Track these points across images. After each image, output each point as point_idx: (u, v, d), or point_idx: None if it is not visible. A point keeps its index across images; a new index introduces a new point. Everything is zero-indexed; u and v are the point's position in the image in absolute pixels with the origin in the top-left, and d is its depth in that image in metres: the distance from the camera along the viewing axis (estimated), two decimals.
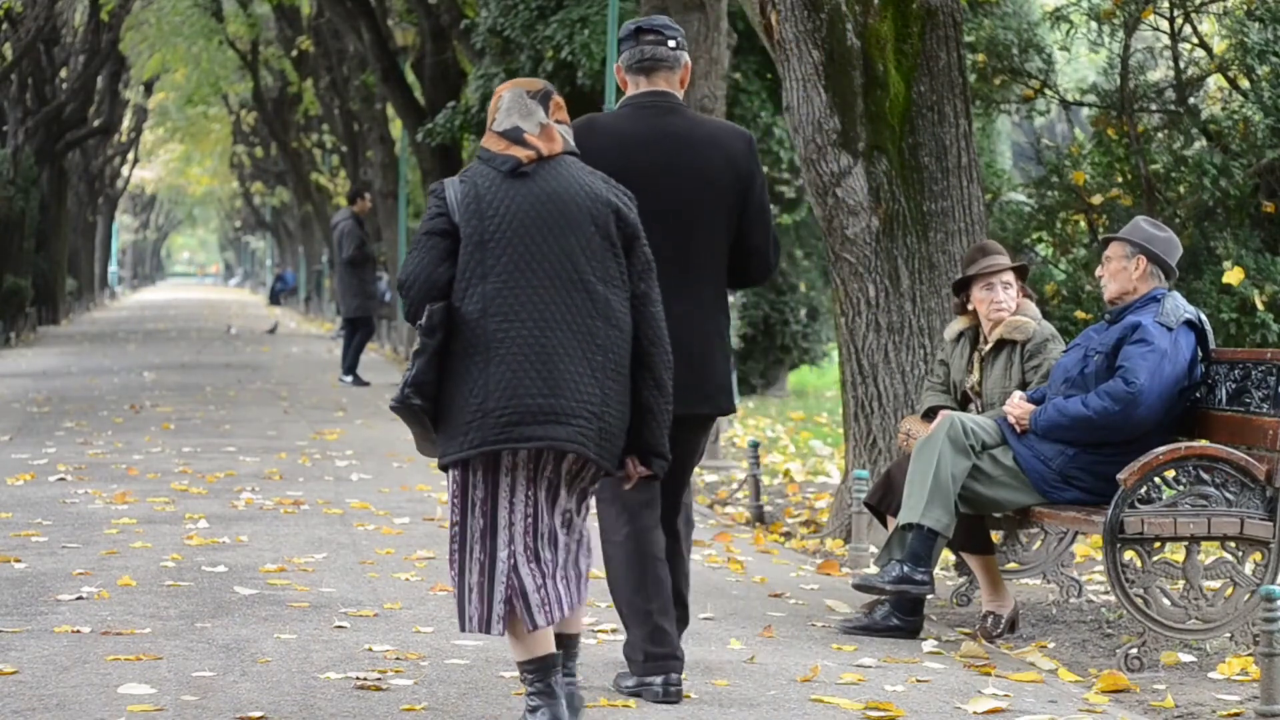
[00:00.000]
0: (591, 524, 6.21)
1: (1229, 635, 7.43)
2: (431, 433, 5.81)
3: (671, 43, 6.70)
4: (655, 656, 6.48)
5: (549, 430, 5.70)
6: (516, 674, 6.42)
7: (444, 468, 5.82)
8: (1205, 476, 7.38)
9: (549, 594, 5.74)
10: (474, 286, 5.79)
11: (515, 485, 5.79)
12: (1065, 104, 13.14)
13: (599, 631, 7.67)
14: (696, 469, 14.95)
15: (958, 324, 8.62)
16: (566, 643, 6.01)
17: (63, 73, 42.70)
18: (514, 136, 5.92)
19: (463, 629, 5.79)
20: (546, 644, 5.75)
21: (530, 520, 5.78)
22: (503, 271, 5.79)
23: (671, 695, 6.46)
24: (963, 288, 8.59)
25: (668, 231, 6.57)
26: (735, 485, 13.77)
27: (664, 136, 6.65)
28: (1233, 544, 7.40)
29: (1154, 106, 12.52)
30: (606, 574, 6.64)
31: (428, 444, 5.88)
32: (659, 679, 6.47)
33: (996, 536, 8.47)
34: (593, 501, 6.06)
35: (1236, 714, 6.59)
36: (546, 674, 5.75)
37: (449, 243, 5.84)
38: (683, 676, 6.53)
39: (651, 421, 5.93)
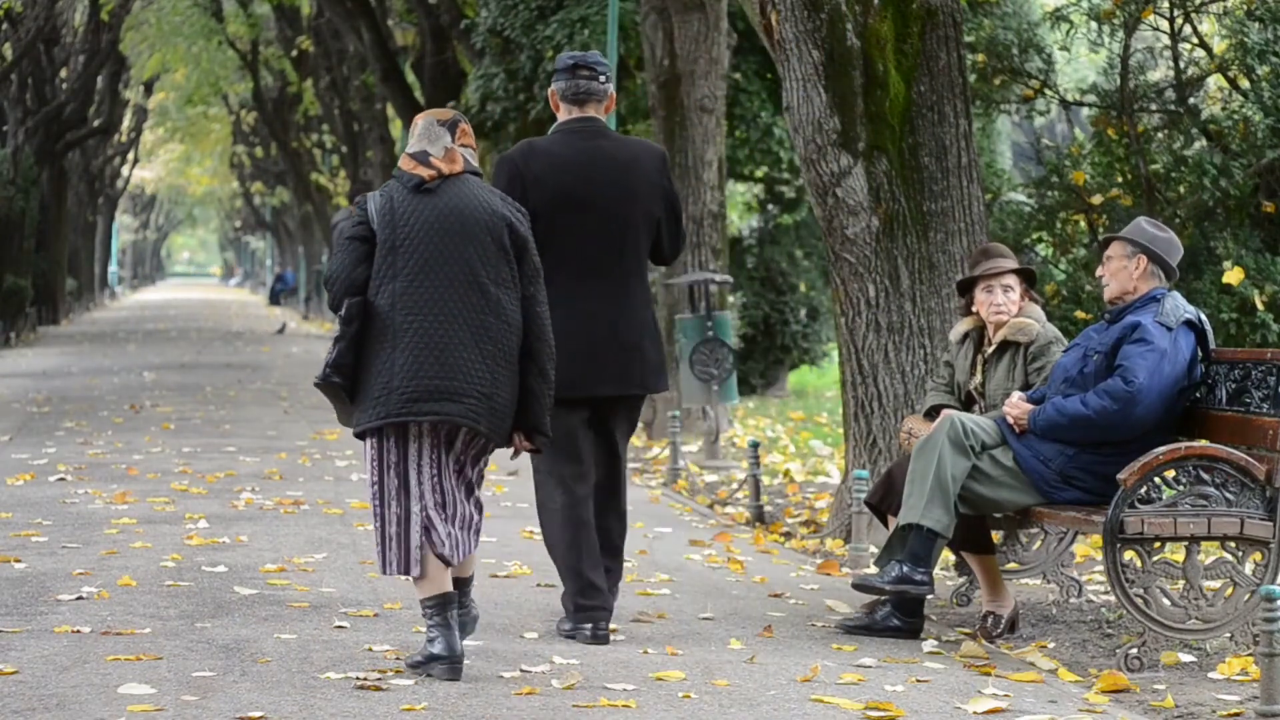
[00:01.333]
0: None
1: (1229, 635, 7.42)
2: (349, 406, 6.93)
3: (603, 78, 7.84)
4: (586, 608, 7.62)
5: (443, 406, 6.81)
6: (512, 674, 6.84)
7: (360, 435, 6.93)
8: (1205, 476, 7.38)
9: (455, 537, 6.88)
10: (386, 284, 6.90)
11: (422, 450, 6.90)
12: (1065, 104, 13.14)
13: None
14: (696, 469, 15.01)
15: (963, 325, 8.62)
16: (462, 584, 7.13)
17: (63, 73, 42.70)
18: (421, 159, 7.03)
19: (383, 572, 6.89)
20: (446, 584, 6.85)
21: (436, 478, 6.91)
22: (410, 273, 6.89)
23: (600, 638, 7.58)
24: (966, 289, 8.59)
25: (598, 239, 7.77)
26: (735, 485, 13.77)
27: (593, 157, 7.79)
28: (1233, 544, 7.40)
29: (1154, 106, 12.52)
30: (544, 536, 7.80)
31: (346, 415, 6.99)
32: (588, 625, 7.60)
33: (996, 536, 8.47)
34: (486, 468, 7.10)
35: (1236, 714, 6.59)
36: (445, 609, 6.84)
37: (366, 247, 6.96)
38: (611, 626, 7.68)
39: (535, 404, 7.04)
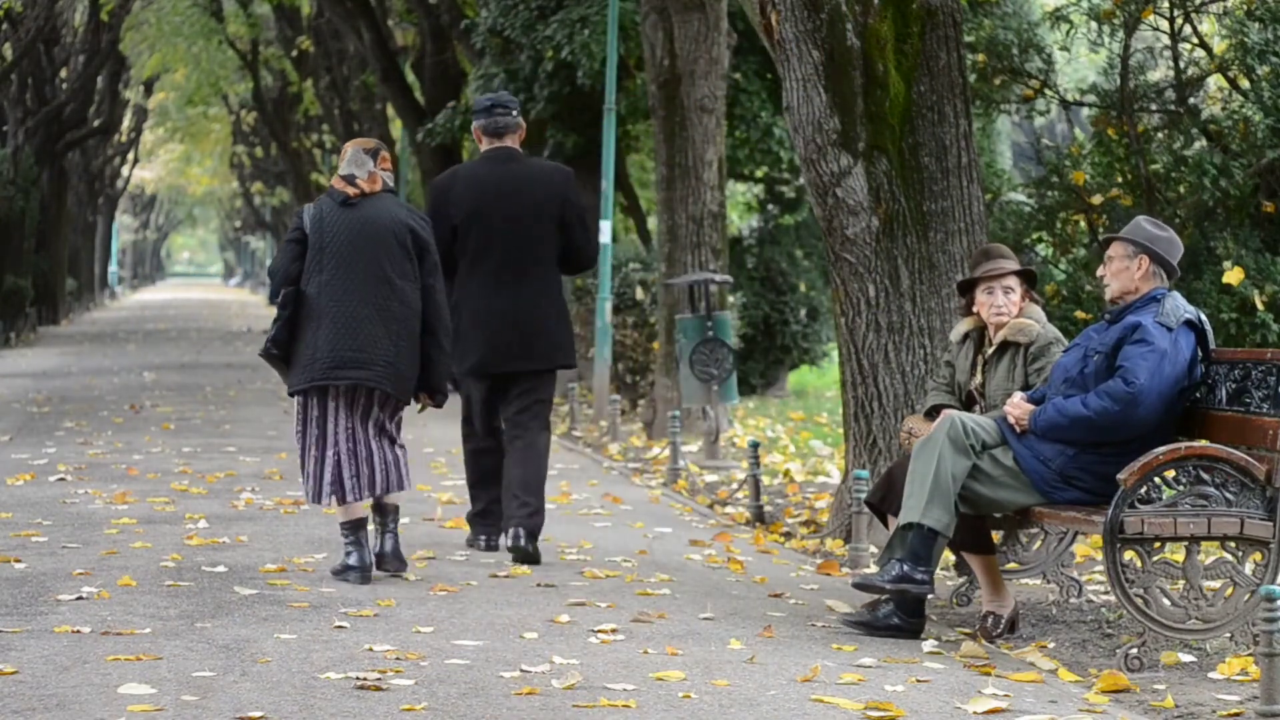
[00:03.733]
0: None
1: (1229, 635, 7.42)
2: (286, 372, 8.95)
3: (515, 113, 9.84)
4: (484, 525, 9.91)
5: (355, 373, 8.81)
6: (512, 674, 6.80)
7: (292, 394, 8.93)
8: (1205, 476, 7.37)
9: (360, 480, 8.82)
10: (314, 277, 8.91)
11: (339, 409, 8.89)
12: (1065, 104, 13.14)
13: (600, 631, 7.68)
14: (696, 469, 15.02)
15: (963, 325, 8.62)
16: (389, 511, 9.02)
17: (63, 73, 42.69)
18: (349, 180, 9.02)
19: (309, 501, 8.90)
20: (358, 512, 8.87)
21: (349, 430, 8.88)
22: (332, 268, 8.89)
23: (493, 547, 9.85)
24: (967, 290, 8.59)
25: (511, 241, 9.68)
26: (735, 485, 13.76)
27: (506, 178, 9.73)
28: (1233, 544, 7.39)
29: (1154, 106, 12.52)
30: (465, 469, 10.04)
31: (286, 378, 8.99)
32: (483, 538, 9.88)
33: (996, 536, 8.47)
34: (401, 417, 9.05)
35: (1236, 714, 6.59)
36: (357, 530, 8.86)
37: (300, 248, 8.99)
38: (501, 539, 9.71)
39: (433, 369, 9.01)
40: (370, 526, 9.01)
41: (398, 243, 8.95)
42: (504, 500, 9.69)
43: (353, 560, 8.82)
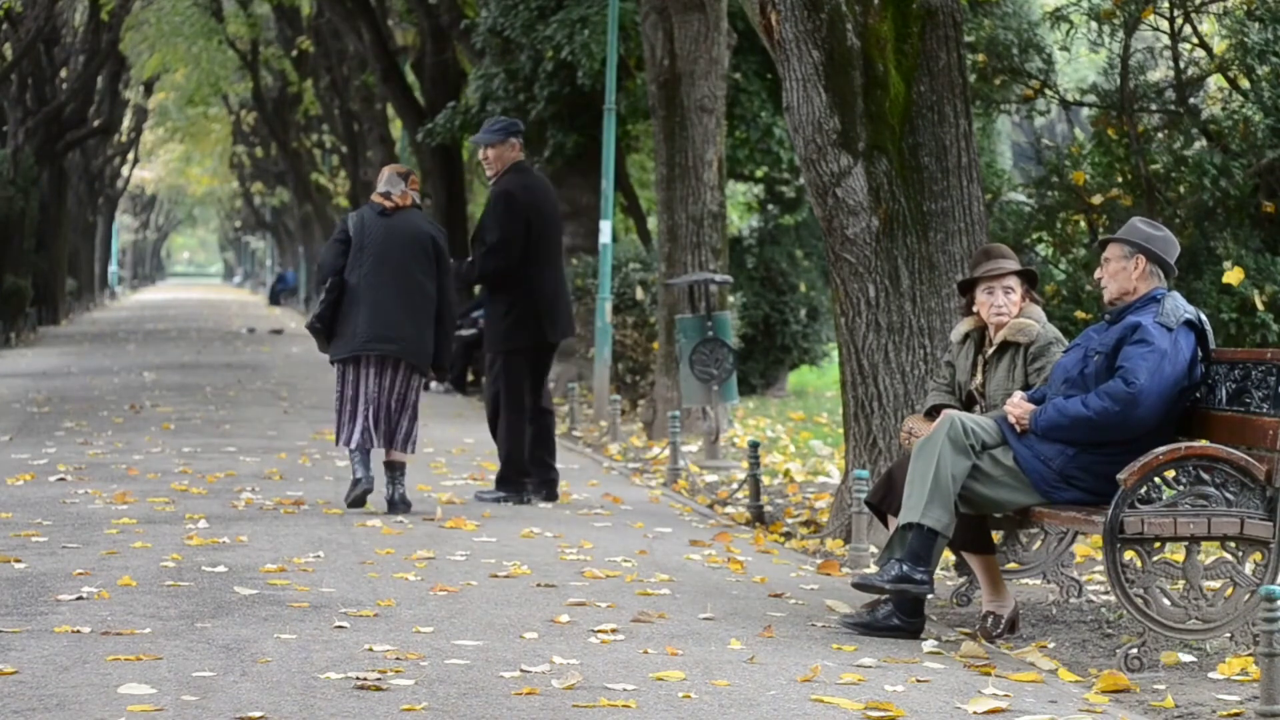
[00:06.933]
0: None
1: (1229, 635, 7.42)
2: (326, 344, 11.54)
3: None
4: (541, 479, 12.07)
5: (383, 346, 11.37)
6: (512, 674, 6.82)
7: (333, 363, 11.50)
8: (1205, 476, 7.37)
9: (379, 433, 11.40)
10: (354, 271, 11.48)
11: (369, 376, 11.45)
12: (1065, 104, 13.14)
13: (600, 631, 7.68)
14: (696, 469, 15.04)
15: (964, 325, 8.62)
16: (398, 466, 11.50)
17: (63, 73, 42.70)
18: (385, 196, 11.60)
19: (338, 444, 11.56)
20: (367, 445, 11.41)
21: (376, 395, 11.44)
22: (369, 264, 11.46)
23: (526, 500, 11.94)
24: (967, 290, 8.59)
25: (558, 236, 12.16)
26: (735, 485, 13.76)
27: (545, 186, 12.34)
28: (1233, 544, 7.39)
29: (1154, 106, 12.52)
30: (510, 432, 11.99)
31: (325, 349, 11.60)
32: (528, 494, 12.01)
33: (996, 536, 8.47)
34: (418, 388, 11.62)
35: (1236, 714, 6.59)
36: (364, 453, 11.40)
37: (344, 247, 11.56)
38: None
39: (441, 350, 11.59)
40: (382, 478, 11.44)
41: (420, 247, 11.49)
42: (535, 467, 12.00)
43: (359, 474, 11.31)
